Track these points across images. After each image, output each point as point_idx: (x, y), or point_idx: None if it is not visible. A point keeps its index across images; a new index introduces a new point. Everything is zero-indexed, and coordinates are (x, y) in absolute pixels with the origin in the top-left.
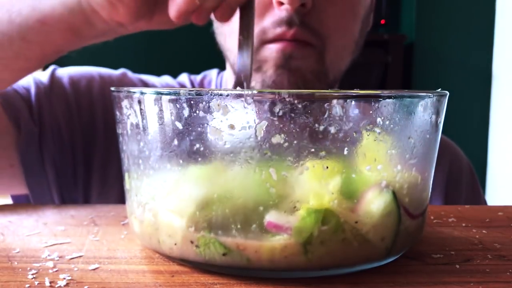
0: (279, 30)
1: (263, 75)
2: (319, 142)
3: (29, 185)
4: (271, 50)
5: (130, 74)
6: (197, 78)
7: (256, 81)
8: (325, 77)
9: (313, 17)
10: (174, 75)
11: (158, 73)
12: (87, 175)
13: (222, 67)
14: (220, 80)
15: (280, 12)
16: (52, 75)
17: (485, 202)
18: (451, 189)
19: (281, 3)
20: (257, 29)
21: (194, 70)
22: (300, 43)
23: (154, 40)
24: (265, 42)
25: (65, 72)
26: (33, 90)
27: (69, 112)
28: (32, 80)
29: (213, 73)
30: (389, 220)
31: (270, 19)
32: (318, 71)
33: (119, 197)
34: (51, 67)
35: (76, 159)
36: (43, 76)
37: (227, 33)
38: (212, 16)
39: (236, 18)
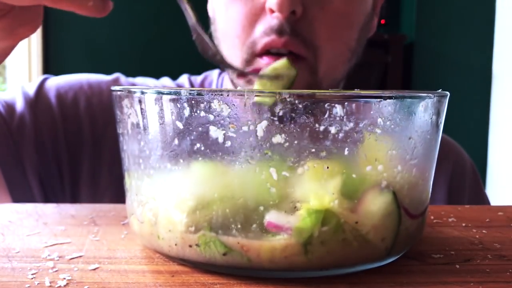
0: (268, 39)
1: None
2: (320, 142)
3: (13, 197)
4: (262, 65)
5: (123, 78)
6: (198, 79)
7: None
8: (318, 88)
9: (304, 25)
10: (178, 76)
11: (161, 74)
12: (75, 187)
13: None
14: (222, 81)
15: (271, 19)
16: (40, 87)
17: (488, 202)
18: (455, 190)
19: (273, 11)
20: (248, 40)
21: (198, 71)
22: (292, 56)
23: (158, 41)
24: (255, 54)
25: (54, 84)
26: (18, 103)
27: (54, 125)
28: (20, 92)
29: (214, 74)
30: (389, 221)
31: (261, 28)
32: (311, 84)
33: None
34: (42, 77)
35: (62, 171)
36: (30, 87)
37: (220, 38)
38: (211, 15)
39: (226, 31)
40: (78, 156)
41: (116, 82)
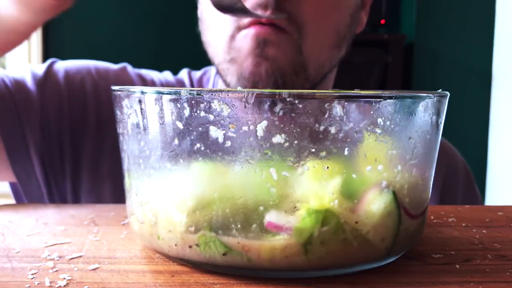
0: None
1: (239, 67)
2: (320, 142)
3: (15, 172)
4: (246, 37)
5: (129, 68)
6: (197, 74)
7: (231, 75)
8: (304, 70)
9: (290, 1)
10: (180, 70)
11: (165, 68)
12: (75, 170)
13: None
14: (219, 77)
15: None
16: (49, 68)
17: (481, 201)
18: (448, 193)
19: None
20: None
21: (201, 65)
22: (275, 28)
23: (159, 38)
24: (240, 28)
25: (62, 66)
26: (27, 81)
27: (60, 105)
28: (29, 71)
29: (213, 69)
30: (389, 221)
31: (248, 4)
32: (296, 63)
33: (112, 194)
34: (50, 60)
35: (63, 152)
36: (40, 68)
37: (207, 22)
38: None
39: (212, 16)
40: (81, 139)
41: (123, 71)
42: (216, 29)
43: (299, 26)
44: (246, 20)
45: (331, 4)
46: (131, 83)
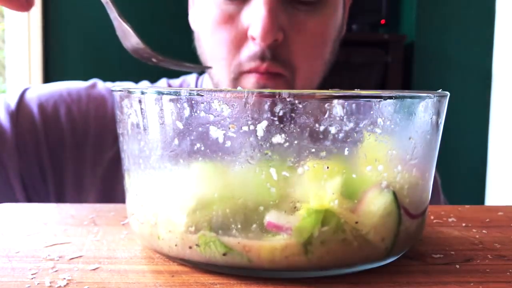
0: (253, 64)
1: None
2: (320, 142)
3: None
4: (248, 82)
5: (100, 84)
6: (176, 82)
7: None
8: None
9: (284, 49)
10: (170, 77)
11: (164, 75)
12: (59, 188)
13: None
14: (200, 84)
15: (254, 46)
16: (21, 99)
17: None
18: None
19: (255, 38)
20: (234, 61)
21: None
22: (272, 74)
23: (158, 42)
24: (242, 73)
25: (35, 94)
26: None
27: (35, 132)
28: (2, 103)
29: (191, 77)
30: (389, 221)
31: (246, 53)
32: None
33: (97, 202)
34: (22, 88)
35: (45, 173)
36: (12, 99)
37: (207, 59)
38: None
39: (213, 54)
40: (61, 159)
41: (93, 87)
42: (218, 67)
43: (293, 69)
44: (246, 67)
45: (319, 42)
46: (102, 99)
